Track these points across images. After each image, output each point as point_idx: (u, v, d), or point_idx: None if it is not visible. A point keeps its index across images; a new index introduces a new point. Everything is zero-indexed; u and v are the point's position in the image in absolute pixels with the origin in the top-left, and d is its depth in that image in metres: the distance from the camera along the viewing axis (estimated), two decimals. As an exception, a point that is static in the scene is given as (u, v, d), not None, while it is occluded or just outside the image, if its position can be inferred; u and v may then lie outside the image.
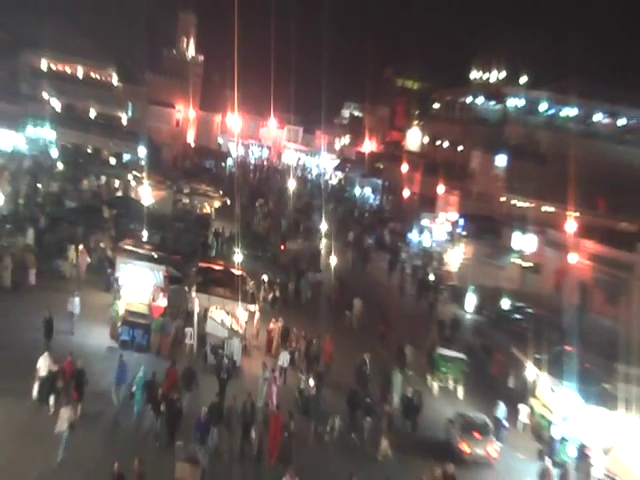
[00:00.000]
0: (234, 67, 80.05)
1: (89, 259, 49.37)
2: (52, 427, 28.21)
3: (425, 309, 61.08)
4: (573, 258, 61.38)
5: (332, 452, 32.81)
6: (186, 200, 77.29)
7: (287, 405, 33.93)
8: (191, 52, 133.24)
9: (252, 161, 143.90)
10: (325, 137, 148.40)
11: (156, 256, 44.25)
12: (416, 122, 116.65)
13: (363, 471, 30.58)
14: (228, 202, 78.21)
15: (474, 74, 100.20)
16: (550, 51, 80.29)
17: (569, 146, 73.13)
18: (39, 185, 71.20)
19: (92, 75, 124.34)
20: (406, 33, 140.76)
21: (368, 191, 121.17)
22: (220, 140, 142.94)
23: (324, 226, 75.83)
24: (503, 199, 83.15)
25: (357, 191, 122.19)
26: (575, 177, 64.43)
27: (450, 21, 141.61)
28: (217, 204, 76.79)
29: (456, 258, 72.90)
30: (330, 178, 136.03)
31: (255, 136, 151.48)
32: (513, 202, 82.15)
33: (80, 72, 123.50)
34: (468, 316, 60.97)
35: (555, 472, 32.02)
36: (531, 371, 41.49)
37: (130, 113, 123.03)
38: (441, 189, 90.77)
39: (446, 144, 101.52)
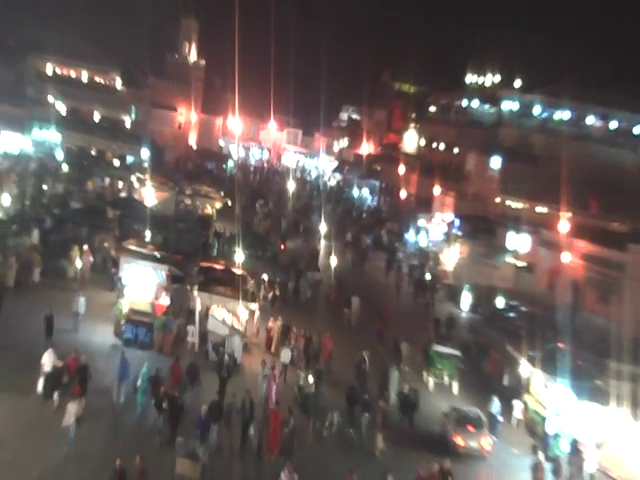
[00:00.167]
0: (235, 71, 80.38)
1: (92, 259, 49.33)
2: (57, 422, 28.36)
3: (422, 307, 61.10)
4: (566, 258, 61.40)
5: (330, 447, 32.82)
6: (188, 201, 77.28)
7: (287, 401, 33.89)
8: (193, 57, 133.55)
9: (252, 163, 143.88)
10: (324, 139, 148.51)
11: (159, 256, 44.30)
12: (413, 125, 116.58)
13: (361, 465, 30.50)
14: (229, 203, 78.23)
15: (469, 78, 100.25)
16: (543, 56, 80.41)
17: (562, 148, 73.22)
18: (45, 186, 71.31)
19: (96, 79, 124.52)
20: (403, 38, 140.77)
21: (366, 192, 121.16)
22: (221, 142, 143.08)
23: (323, 226, 75.89)
24: (498, 200, 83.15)
25: (355, 192, 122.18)
26: (568, 178, 64.47)
27: (446, 26, 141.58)
28: (218, 205, 76.79)
29: (452, 257, 72.92)
30: (329, 179, 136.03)
31: (255, 138, 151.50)
32: (507, 203, 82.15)
33: (85, 76, 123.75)
34: (463, 314, 60.95)
35: (548, 466, 32.01)
36: (525, 368, 41.52)
37: (133, 116, 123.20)
38: (437, 190, 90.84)
39: (442, 146, 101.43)
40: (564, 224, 65.56)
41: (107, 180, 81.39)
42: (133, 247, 45.67)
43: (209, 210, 75.55)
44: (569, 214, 66.99)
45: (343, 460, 31.54)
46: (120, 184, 79.94)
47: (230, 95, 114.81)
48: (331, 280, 59.11)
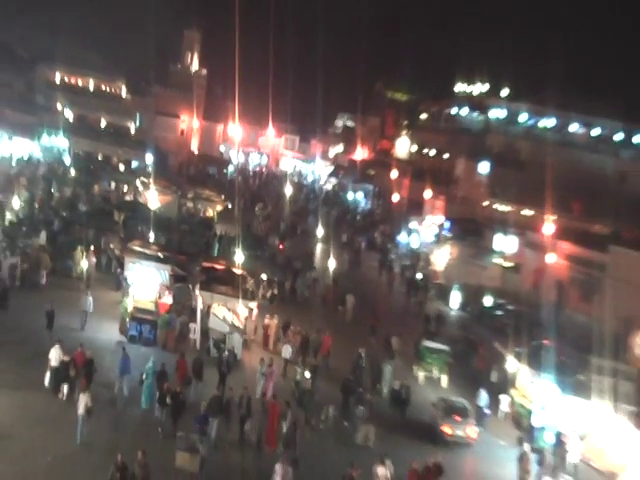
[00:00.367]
0: (235, 80, 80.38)
1: (94, 259, 49.27)
2: (65, 414, 28.64)
3: (413, 305, 61.16)
4: (550, 258, 61.50)
5: (326, 440, 32.77)
6: (190, 204, 77.18)
7: (285, 396, 33.82)
8: (195, 66, 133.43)
9: (252, 168, 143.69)
10: (320, 145, 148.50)
11: (162, 256, 44.27)
12: (405, 132, 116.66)
13: (356, 457, 30.56)
14: (229, 206, 78.14)
15: (458, 87, 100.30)
16: (529, 66, 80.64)
17: (547, 154, 73.31)
18: (53, 190, 71.27)
19: (103, 87, 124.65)
20: (395, 49, 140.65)
21: (360, 196, 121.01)
22: (222, 148, 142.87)
23: (319, 228, 75.90)
24: (486, 203, 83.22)
25: (350, 196, 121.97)
26: (552, 183, 64.55)
27: (436, 38, 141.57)
28: (219, 208, 76.68)
29: (442, 258, 72.94)
30: (324, 184, 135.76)
31: (255, 144, 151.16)
32: (495, 206, 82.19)
33: (91, 85, 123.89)
34: (453, 312, 61.00)
35: (533, 457, 32.06)
36: (511, 363, 41.57)
37: (138, 123, 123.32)
38: (428, 194, 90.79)
39: (432, 152, 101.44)
40: (549, 226, 65.68)
41: (113, 184, 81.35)
42: (138, 248, 45.64)
43: (210, 213, 75.43)
44: (553, 217, 67.12)
45: (339, 452, 31.64)
46: (125, 188, 79.91)
47: (230, 103, 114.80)
48: (327, 279, 59.16)
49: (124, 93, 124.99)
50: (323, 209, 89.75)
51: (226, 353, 36.99)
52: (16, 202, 59.72)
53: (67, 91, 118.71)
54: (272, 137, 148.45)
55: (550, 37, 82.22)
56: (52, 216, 58.85)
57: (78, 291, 43.19)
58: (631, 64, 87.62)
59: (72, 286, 45.39)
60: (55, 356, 31.42)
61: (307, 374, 36.56)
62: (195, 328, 40.45)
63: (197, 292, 41.38)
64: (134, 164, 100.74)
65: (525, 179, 75.23)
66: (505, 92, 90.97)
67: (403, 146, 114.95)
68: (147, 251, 45.06)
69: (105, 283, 46.88)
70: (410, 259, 76.55)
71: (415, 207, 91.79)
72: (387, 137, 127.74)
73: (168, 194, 73.00)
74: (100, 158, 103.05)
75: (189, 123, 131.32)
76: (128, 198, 74.82)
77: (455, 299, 62.12)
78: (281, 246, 68.53)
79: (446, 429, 35.06)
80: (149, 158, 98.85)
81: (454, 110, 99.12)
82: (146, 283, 42.20)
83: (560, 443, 33.94)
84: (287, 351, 40.31)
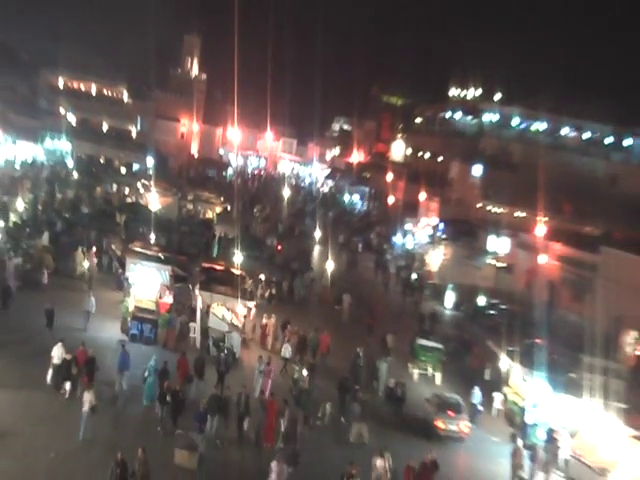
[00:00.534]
0: (234, 85, 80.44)
1: (96, 260, 49.21)
2: (67, 412, 28.72)
3: (408, 305, 61.13)
4: (542, 259, 61.54)
5: (324, 437, 32.68)
6: (190, 206, 77.23)
7: (283, 393, 33.74)
8: (195, 71, 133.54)
9: (250, 170, 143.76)
10: (317, 148, 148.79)
11: (163, 257, 44.22)
12: (400, 135, 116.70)
13: (351, 452, 30.55)
14: (228, 208, 78.17)
15: (453, 91, 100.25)
16: (521, 71, 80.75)
17: (539, 157, 73.48)
18: (56, 192, 71.18)
19: (105, 92, 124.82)
20: (391, 55, 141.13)
21: (356, 198, 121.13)
22: (221, 151, 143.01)
23: (316, 230, 75.87)
24: (479, 205, 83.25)
25: (346, 198, 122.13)
26: (544, 185, 64.64)
27: (431, 43, 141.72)
28: (218, 209, 76.69)
29: (436, 259, 72.96)
30: (322, 186, 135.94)
31: (253, 147, 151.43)
32: (488, 208, 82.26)
33: (94, 89, 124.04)
34: (447, 312, 60.96)
35: (526, 453, 32.06)
36: (504, 362, 41.58)
37: (139, 127, 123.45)
38: (423, 196, 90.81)
39: (427, 155, 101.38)
40: (541, 228, 65.79)
41: (114, 186, 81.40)
42: (139, 249, 45.60)
43: (210, 214, 75.42)
44: (545, 218, 67.26)
45: (336, 449, 31.66)
46: (127, 190, 79.91)
47: (229, 107, 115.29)
48: (324, 279, 59.12)
49: (125, 97, 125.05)
50: (320, 211, 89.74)
51: (225, 352, 36.99)
52: (20, 204, 59.74)
53: (70, 95, 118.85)
54: (270, 140, 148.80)
55: (542, 43, 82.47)
56: (55, 218, 58.85)
57: (79, 291, 43.31)
58: (621, 69, 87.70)
59: (74, 286, 45.37)
60: (57, 354, 31.36)
61: (305, 372, 36.49)
62: (195, 327, 40.39)
63: (197, 292, 41.35)
64: (135, 167, 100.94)
65: (518, 181, 75.28)
66: (498, 96, 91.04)
67: (398, 149, 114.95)
68: (148, 252, 45.01)
69: (106, 283, 46.79)
70: (405, 260, 76.58)
71: (410, 209, 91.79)
72: (383, 140, 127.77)
73: (168, 196, 73.01)
74: (102, 161, 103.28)
75: (189, 127, 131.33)
76: (129, 200, 74.79)
77: (449, 299, 62.08)
78: (279, 247, 68.50)
79: (439, 424, 35.14)
80: (150, 161, 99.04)
81: (448, 114, 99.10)
82: (147, 283, 42.13)
83: (552, 440, 33.91)
84: (287, 350, 40.27)
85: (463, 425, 35.27)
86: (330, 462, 29.97)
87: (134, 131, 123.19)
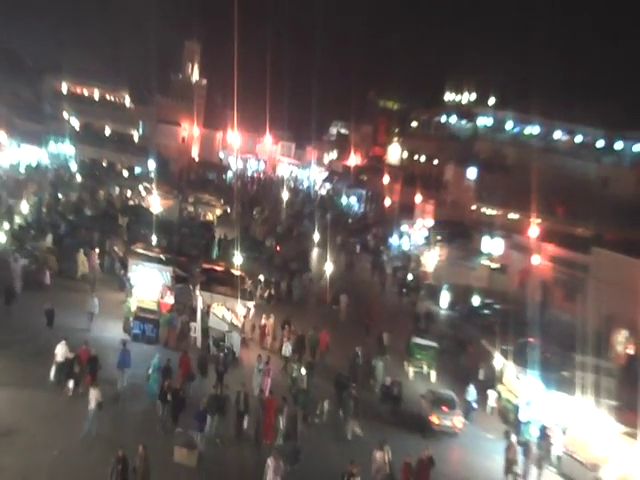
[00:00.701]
0: (234, 90, 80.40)
1: (98, 261, 49.19)
2: (69, 410, 28.81)
3: (404, 305, 61.15)
4: (535, 260, 61.53)
5: (322, 434, 32.64)
6: (191, 208, 77.30)
7: (282, 391, 33.71)
8: (195, 76, 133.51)
9: (250, 173, 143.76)
10: (315, 152, 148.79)
11: (164, 258, 44.27)
12: (396, 139, 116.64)
13: (348, 449, 30.77)
14: (228, 210, 78.25)
15: (448, 96, 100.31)
16: (515, 76, 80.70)
17: (532, 160, 73.37)
18: (60, 195, 71.22)
19: (107, 97, 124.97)
20: (387, 60, 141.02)
21: (353, 200, 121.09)
22: (221, 155, 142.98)
23: (314, 231, 75.89)
24: (473, 207, 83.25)
25: (344, 200, 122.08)
26: (537, 188, 64.57)
27: (426, 49, 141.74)
28: (219, 212, 76.81)
29: (432, 260, 72.95)
30: (319, 188, 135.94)
31: (252, 151, 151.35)
32: (482, 210, 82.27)
33: (96, 94, 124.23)
34: (443, 311, 60.95)
35: (519, 449, 32.10)
36: (498, 360, 41.60)
37: (141, 131, 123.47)
38: (418, 198, 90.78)
39: (423, 158, 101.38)
40: (534, 229, 65.75)
41: (117, 189, 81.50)
42: (141, 250, 45.66)
43: (210, 216, 75.50)
44: (538, 220, 67.23)
45: (334, 446, 31.70)
46: (129, 193, 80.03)
47: (229, 111, 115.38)
48: (322, 280, 59.11)
49: (128, 102, 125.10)
50: (318, 213, 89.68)
51: (225, 351, 37.04)
52: (24, 206, 59.77)
53: (73, 100, 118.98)
54: (269, 144, 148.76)
55: (534, 49, 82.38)
56: (59, 220, 58.88)
57: (82, 292, 43.30)
58: (613, 74, 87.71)
59: (76, 287, 45.41)
60: (61, 352, 31.47)
61: (303, 371, 36.49)
62: (195, 327, 40.38)
63: (197, 292, 41.35)
64: (137, 170, 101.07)
65: (511, 184, 75.27)
66: (492, 101, 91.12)
67: (395, 152, 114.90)
68: (150, 253, 45.08)
69: (108, 284, 46.75)
70: (401, 260, 76.66)
71: (406, 211, 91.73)
72: (379, 144, 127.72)
73: (170, 199, 73.16)
74: (105, 164, 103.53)
75: (190, 131, 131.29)
76: (131, 203, 74.91)
77: (444, 299, 62.07)
78: (278, 248, 68.50)
79: (434, 419, 35.38)
80: (152, 164, 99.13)
81: (443, 118, 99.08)
82: (149, 284, 42.19)
83: (545, 436, 34.03)
84: (287, 349, 40.32)
85: (457, 420, 35.48)
86: (329, 459, 30.06)
87: (136, 135, 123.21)
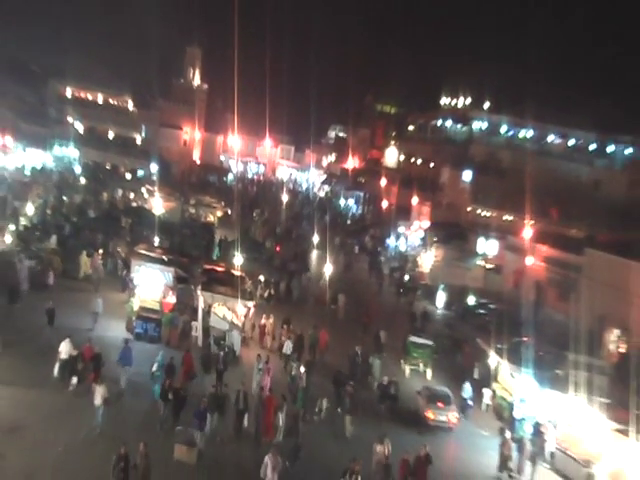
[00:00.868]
0: (234, 94, 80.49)
1: (100, 261, 49.16)
2: (72, 407, 28.94)
3: (402, 304, 61.13)
4: (529, 260, 61.59)
5: (321, 431, 32.60)
6: (192, 210, 77.26)
7: (282, 389, 33.70)
8: (196, 81, 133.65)
9: (250, 176, 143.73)
10: (314, 155, 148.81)
11: (166, 259, 44.22)
12: (393, 142, 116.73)
13: (347, 445, 30.85)
14: (229, 212, 78.22)
15: (443, 100, 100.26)
16: (509, 80, 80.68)
17: (526, 163, 73.47)
18: (64, 197, 71.23)
19: (110, 101, 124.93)
20: (384, 65, 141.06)
21: (351, 202, 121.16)
22: (222, 158, 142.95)
23: (313, 232, 75.88)
24: (469, 209, 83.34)
25: (342, 202, 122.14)
26: (531, 190, 64.67)
27: (423, 54, 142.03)
28: (219, 213, 76.79)
29: (428, 260, 72.99)
30: (318, 191, 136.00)
31: (252, 154, 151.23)
32: (478, 212, 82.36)
33: (100, 99, 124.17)
34: (439, 311, 60.95)
35: (513, 445, 32.15)
36: (493, 359, 41.57)
37: (144, 134, 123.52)
38: (415, 200, 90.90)
39: (419, 161, 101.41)
40: (528, 230, 65.89)
41: (120, 191, 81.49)
42: (143, 251, 45.62)
43: (211, 218, 75.47)
44: (532, 222, 67.37)
45: (333, 443, 31.66)
46: (132, 195, 79.99)
47: (230, 115, 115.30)
48: (320, 280, 59.07)
49: (130, 106, 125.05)
50: (317, 215, 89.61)
51: (226, 349, 37.07)
52: (30, 208, 59.78)
53: (77, 105, 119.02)
54: (269, 147, 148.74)
55: (528, 55, 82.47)
56: (63, 221, 58.94)
57: (85, 292, 43.52)
58: (604, 79, 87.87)
59: (80, 287, 45.44)
60: (65, 349, 31.60)
61: (302, 369, 36.48)
62: (197, 326, 40.40)
63: (199, 292, 41.31)
64: (140, 173, 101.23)
65: (506, 186, 75.38)
66: (487, 105, 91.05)
67: (392, 155, 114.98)
68: (152, 254, 45.04)
69: (111, 285, 46.70)
70: (398, 261, 76.68)
71: (403, 212, 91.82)
72: (377, 147, 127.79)
73: (172, 201, 73.14)
74: (108, 167, 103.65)
75: (191, 134, 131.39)
76: (134, 204, 74.87)
77: (441, 299, 62.08)
78: (277, 249, 68.49)
79: (429, 414, 35.76)
80: (154, 167, 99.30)
81: (439, 122, 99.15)
82: (151, 284, 42.16)
83: (539, 433, 34.05)
84: (288, 347, 40.35)
85: (452, 416, 35.87)
86: (328, 456, 30.06)
87: (139, 139, 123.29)
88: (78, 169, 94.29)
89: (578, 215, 65.82)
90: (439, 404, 36.09)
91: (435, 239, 75.22)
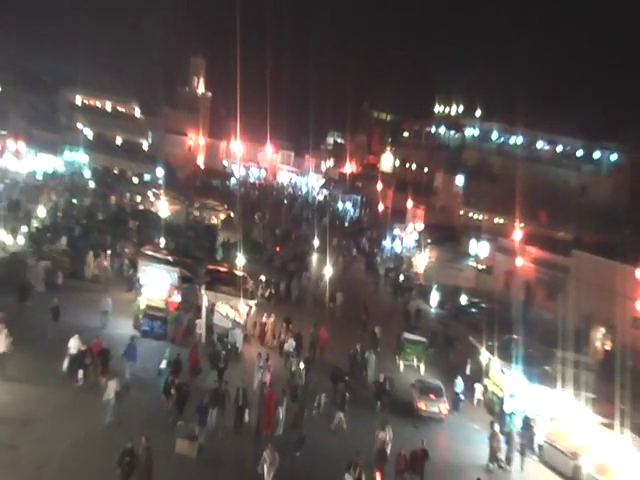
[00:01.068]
0: (237, 102, 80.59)
1: (106, 262, 49.14)
2: (81, 401, 28.99)
3: (397, 304, 61.12)
4: (519, 261, 61.64)
5: (319, 425, 32.57)
6: (197, 213, 77.14)
7: (282, 384, 33.67)
8: (201, 89, 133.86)
9: (252, 180, 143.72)
10: (313, 160, 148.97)
11: (171, 259, 44.14)
12: (389, 148, 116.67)
13: (345, 439, 30.88)
14: (232, 215, 78.12)
15: (437, 108, 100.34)
16: (500, 89, 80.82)
17: (516, 168, 73.54)
18: (74, 200, 71.21)
19: (118, 109, 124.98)
20: (380, 74, 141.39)
21: (349, 205, 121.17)
22: (225, 162, 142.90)
23: (312, 234, 75.85)
24: (461, 212, 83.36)
25: (340, 205, 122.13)
26: (521, 194, 64.70)
27: (417, 64, 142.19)
28: (222, 216, 76.61)
29: (422, 261, 73.02)
30: (317, 194, 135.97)
31: (254, 159, 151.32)
32: (470, 215, 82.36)
33: (108, 106, 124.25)
34: (432, 310, 60.97)
35: (502, 437, 32.22)
36: (485, 356, 41.61)
37: (150, 140, 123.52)
38: (410, 204, 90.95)
39: (414, 166, 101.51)
40: (518, 233, 65.90)
41: (127, 195, 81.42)
42: (150, 252, 45.52)
43: (215, 220, 75.34)
44: (522, 224, 67.35)
45: (332, 437, 31.60)
46: (139, 198, 79.93)
47: (232, 122, 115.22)
48: (319, 280, 59.02)
49: (137, 113, 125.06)
50: (316, 217, 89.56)
51: (229, 346, 37.13)
52: (42, 211, 59.78)
53: (87, 112, 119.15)
54: (270, 153, 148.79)
55: (518, 64, 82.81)
56: (73, 223, 58.88)
57: (93, 292, 43.54)
58: (590, 88, 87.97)
59: (88, 287, 45.44)
60: (74, 345, 31.64)
61: (302, 365, 36.52)
62: (201, 324, 40.43)
63: (203, 292, 41.25)
64: (146, 177, 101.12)
65: (497, 191, 75.40)
66: (478, 113, 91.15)
67: (387, 161, 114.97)
68: (158, 255, 44.96)
69: (118, 285, 46.66)
70: (394, 262, 76.68)
71: (398, 215, 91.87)
72: (373, 153, 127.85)
73: (177, 204, 73.07)
74: (116, 172, 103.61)
75: (195, 140, 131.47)
76: (141, 207, 74.77)
77: (434, 298, 62.11)
78: (277, 249, 68.46)
79: (422, 406, 36.29)
80: (160, 172, 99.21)
81: (433, 129, 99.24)
82: (157, 283, 42.08)
83: (528, 427, 34.20)
84: (290, 345, 40.41)
85: (443, 407, 36.40)
86: (328, 448, 30.07)
87: (145, 144, 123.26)
88: (87, 173, 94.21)
89: (566, 218, 65.80)
90: (431, 396, 36.57)
91: (429, 241, 75.24)
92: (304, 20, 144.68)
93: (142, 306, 40.34)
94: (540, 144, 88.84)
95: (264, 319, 43.65)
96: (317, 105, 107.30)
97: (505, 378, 38.45)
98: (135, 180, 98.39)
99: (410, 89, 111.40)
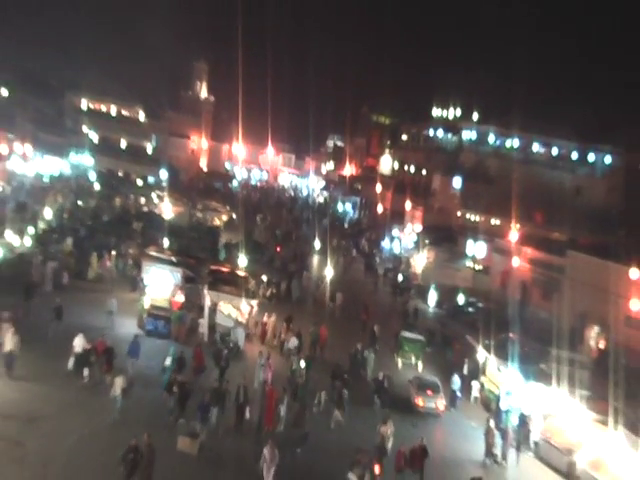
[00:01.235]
0: (239, 105, 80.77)
1: (109, 263, 49.12)
2: (86, 399, 28.98)
3: (395, 303, 61.13)
4: (515, 262, 61.63)
5: (319, 423, 32.54)
6: (199, 214, 77.22)
7: (283, 382, 33.66)
8: (203, 93, 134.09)
9: (253, 182, 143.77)
10: (313, 163, 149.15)
11: (175, 260, 44.15)
12: (387, 150, 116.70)
13: (345, 437, 30.79)
14: (234, 216, 78.16)
15: (435, 111, 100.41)
16: (496, 93, 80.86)
17: (512, 170, 73.76)
18: (80, 202, 71.23)
19: (123, 112, 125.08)
20: (379, 78, 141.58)
21: (348, 207, 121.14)
22: (227, 165, 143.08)
23: (312, 236, 75.86)
24: (459, 213, 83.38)
25: (339, 207, 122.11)
26: (517, 196, 64.87)
27: (416, 68, 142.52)
28: (225, 218, 76.74)
29: (420, 262, 72.98)
30: (317, 196, 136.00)
31: (256, 162, 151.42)
32: (467, 216, 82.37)
33: (113, 110, 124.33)
34: (430, 309, 60.97)
35: (497, 433, 32.25)
36: (481, 354, 41.62)
37: (154, 143, 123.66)
38: (408, 205, 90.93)
39: (412, 168, 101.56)
40: (514, 234, 65.93)
41: (132, 197, 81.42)
42: (153, 253, 45.56)
43: (217, 222, 75.42)
44: (518, 225, 67.38)
45: (332, 434, 31.50)
46: (143, 200, 79.94)
47: (235, 125, 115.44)
48: (319, 280, 59.00)
49: (142, 117, 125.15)
50: (316, 218, 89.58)
51: (231, 345, 37.15)
52: (48, 212, 59.78)
53: (92, 116, 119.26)
54: (271, 155, 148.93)
55: (514, 70, 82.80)
56: (79, 225, 58.93)
57: (97, 292, 43.54)
58: (585, 91, 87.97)
59: (92, 287, 45.42)
60: (79, 343, 31.62)
61: (302, 363, 36.52)
62: (203, 323, 40.43)
63: (205, 291, 41.25)
64: (150, 179, 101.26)
65: (493, 192, 75.45)
66: (475, 116, 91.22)
67: (386, 163, 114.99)
68: (162, 256, 44.98)
69: (122, 285, 46.65)
70: (393, 262, 76.67)
71: (397, 217, 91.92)
72: (372, 155, 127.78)
73: (180, 206, 73.20)
74: (120, 174, 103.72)
75: (198, 143, 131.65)
76: (145, 209, 74.84)
77: (432, 298, 62.07)
78: (278, 249, 68.44)
79: (419, 401, 36.52)
80: (163, 174, 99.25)
81: (431, 132, 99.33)
82: (161, 284, 42.07)
83: (524, 423, 34.19)
84: (293, 343, 40.43)
85: (439, 403, 36.60)
86: (329, 443, 30.03)
87: (149, 147, 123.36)
88: (93, 176, 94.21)
89: (561, 219, 65.79)
90: (428, 392, 36.81)
91: (427, 242, 75.24)
92: (305, 26, 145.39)
93: (146, 306, 40.35)
94: (536, 147, 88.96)
95: (265, 318, 43.64)
96: (317, 109, 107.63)
97: (501, 376, 38.50)
98: (139, 182, 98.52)
99: (408, 93, 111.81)
